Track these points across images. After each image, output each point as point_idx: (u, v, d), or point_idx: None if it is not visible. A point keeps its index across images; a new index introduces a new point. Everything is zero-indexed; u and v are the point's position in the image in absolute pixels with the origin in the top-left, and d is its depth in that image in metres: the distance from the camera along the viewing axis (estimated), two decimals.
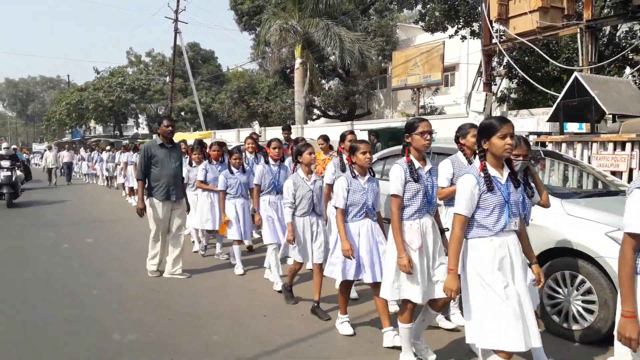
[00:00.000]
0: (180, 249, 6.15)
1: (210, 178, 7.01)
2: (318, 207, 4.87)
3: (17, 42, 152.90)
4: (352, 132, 5.53)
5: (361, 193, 4.02)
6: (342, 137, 5.44)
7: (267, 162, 5.75)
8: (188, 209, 6.47)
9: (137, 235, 9.06)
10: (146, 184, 5.92)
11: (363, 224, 4.04)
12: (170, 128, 5.96)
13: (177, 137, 15.77)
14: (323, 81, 28.61)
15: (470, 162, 4.05)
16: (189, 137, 19.37)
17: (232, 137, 26.81)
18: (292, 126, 11.60)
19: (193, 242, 7.76)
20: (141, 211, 5.87)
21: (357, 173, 4.08)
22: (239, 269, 6.24)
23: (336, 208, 4.07)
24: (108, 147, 19.48)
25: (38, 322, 4.59)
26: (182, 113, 40.33)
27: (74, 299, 5.30)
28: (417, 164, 3.50)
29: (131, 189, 13.27)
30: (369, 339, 4.08)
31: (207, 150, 7.78)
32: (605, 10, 13.80)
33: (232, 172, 6.38)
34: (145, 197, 5.91)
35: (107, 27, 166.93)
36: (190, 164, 7.78)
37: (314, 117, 29.99)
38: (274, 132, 21.23)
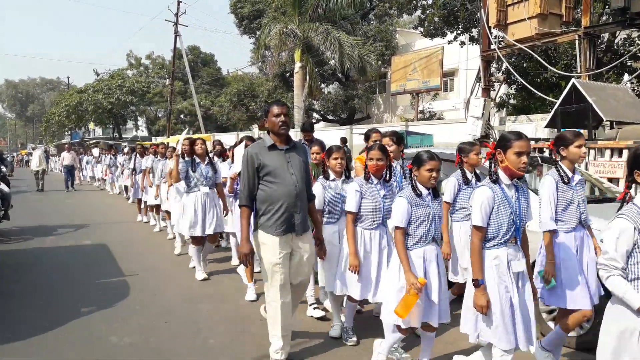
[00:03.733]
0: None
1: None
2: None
3: (18, 44, 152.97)
4: (377, 131, 5.31)
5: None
6: (367, 136, 5.30)
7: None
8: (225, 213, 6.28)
9: (136, 239, 9.09)
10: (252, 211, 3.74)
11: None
12: (283, 118, 3.62)
13: (174, 140, 14.38)
14: (322, 85, 28.67)
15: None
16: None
17: (231, 140, 26.78)
18: (292, 130, 11.29)
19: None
20: (248, 257, 3.64)
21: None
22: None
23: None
24: (126, 149, 15.71)
25: (36, 327, 4.61)
26: (182, 116, 40.34)
27: (71, 302, 5.31)
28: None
29: (139, 201, 11.16)
30: (370, 346, 4.09)
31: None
32: (604, 18, 13.88)
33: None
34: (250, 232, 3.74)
35: (108, 29, 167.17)
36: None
37: (313, 120, 30.03)
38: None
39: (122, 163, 14.96)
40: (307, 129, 6.54)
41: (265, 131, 3.77)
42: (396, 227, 3.32)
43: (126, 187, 14.33)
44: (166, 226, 9.16)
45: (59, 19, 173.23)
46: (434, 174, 3.28)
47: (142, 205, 10.86)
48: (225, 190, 6.09)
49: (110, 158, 17.22)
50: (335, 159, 4.26)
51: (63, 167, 19.96)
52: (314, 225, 3.98)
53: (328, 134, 18.40)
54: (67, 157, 19.45)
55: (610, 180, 6.27)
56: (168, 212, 8.62)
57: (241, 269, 5.74)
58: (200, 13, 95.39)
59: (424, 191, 3.36)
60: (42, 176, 18.98)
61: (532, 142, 8.85)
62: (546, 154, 7.60)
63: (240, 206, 3.70)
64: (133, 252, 7.93)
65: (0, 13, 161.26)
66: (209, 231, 6.19)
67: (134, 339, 4.27)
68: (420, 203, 3.32)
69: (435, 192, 3.44)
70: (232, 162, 6.26)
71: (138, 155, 11.29)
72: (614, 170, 6.48)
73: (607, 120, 7.81)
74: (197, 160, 6.21)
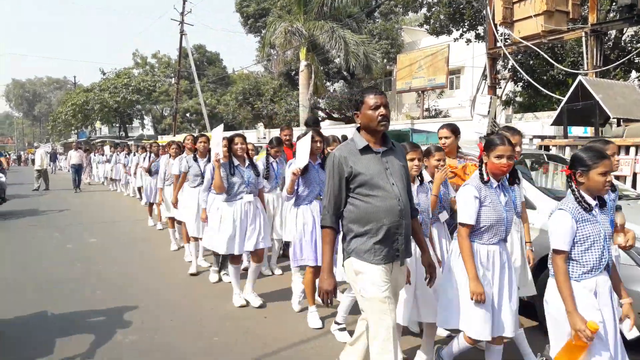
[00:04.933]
0: None
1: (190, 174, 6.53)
2: None
3: (25, 44, 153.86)
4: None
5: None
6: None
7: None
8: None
9: (140, 236, 9.11)
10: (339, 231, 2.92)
11: None
12: (383, 111, 2.75)
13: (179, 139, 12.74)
14: (328, 83, 28.62)
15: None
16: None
17: None
18: (295, 128, 11.20)
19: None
20: (330, 295, 2.80)
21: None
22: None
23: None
24: (150, 145, 12.83)
25: (41, 324, 4.63)
26: (187, 114, 40.47)
27: (77, 300, 5.33)
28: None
29: (150, 205, 10.35)
30: None
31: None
32: (611, 14, 13.76)
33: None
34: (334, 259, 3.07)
35: (114, 29, 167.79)
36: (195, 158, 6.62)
37: (319, 119, 30.00)
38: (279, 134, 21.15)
39: (136, 163, 13.26)
40: (311, 124, 6.10)
41: (356, 128, 2.91)
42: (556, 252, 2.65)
43: (139, 189, 13.21)
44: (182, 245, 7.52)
45: (66, 19, 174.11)
46: (608, 178, 2.62)
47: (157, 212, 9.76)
48: (283, 192, 4.78)
49: (125, 157, 16.13)
50: (412, 159, 3.55)
51: (70, 167, 19.09)
52: (421, 248, 3.14)
53: (333, 132, 18.34)
54: (74, 156, 18.74)
55: (617, 177, 6.22)
56: (172, 219, 7.77)
57: (232, 275, 5.20)
58: (206, 12, 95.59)
59: (592, 202, 2.68)
60: (46, 175, 18.67)
61: (538, 140, 8.79)
62: (553, 151, 7.56)
63: (323, 227, 2.84)
64: (136, 250, 7.95)
65: (8, 13, 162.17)
66: (248, 247, 5.07)
67: (139, 337, 4.28)
68: (588, 218, 2.64)
69: (603, 202, 2.75)
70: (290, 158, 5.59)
71: (153, 155, 10.22)
72: (620, 167, 6.43)
73: (614, 118, 7.75)
74: (236, 162, 5.08)
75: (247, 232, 5.04)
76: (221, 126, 5.20)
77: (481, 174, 3.09)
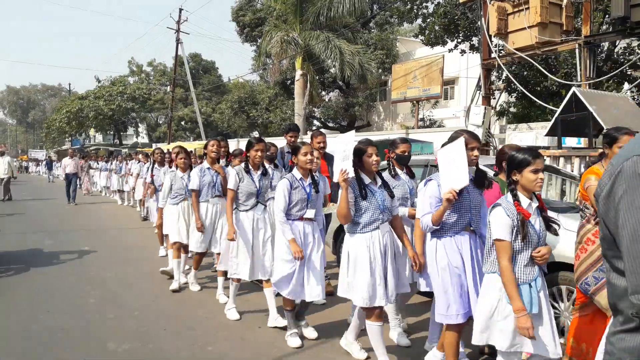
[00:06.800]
0: None
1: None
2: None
3: (20, 50, 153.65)
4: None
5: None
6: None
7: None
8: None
9: (134, 244, 9.06)
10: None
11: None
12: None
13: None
14: (323, 93, 28.73)
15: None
16: (189, 146, 19.04)
17: (231, 147, 26.83)
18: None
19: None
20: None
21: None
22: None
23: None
24: (140, 155, 12.58)
25: (35, 331, 4.58)
26: (182, 122, 40.44)
27: (71, 308, 5.28)
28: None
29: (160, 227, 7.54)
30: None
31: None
32: (604, 27, 13.92)
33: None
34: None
35: (110, 36, 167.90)
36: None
37: (314, 128, 30.09)
38: (275, 143, 21.18)
39: (137, 173, 11.98)
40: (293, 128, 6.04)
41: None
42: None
43: (142, 201, 11.82)
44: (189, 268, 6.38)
45: (61, 26, 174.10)
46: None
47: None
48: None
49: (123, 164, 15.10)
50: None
51: (65, 176, 17.15)
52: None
53: (328, 142, 18.37)
54: (69, 164, 16.67)
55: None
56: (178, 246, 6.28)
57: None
58: (202, 21, 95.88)
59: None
60: (7, 185, 16.92)
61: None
62: (547, 162, 7.60)
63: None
64: (130, 257, 7.90)
65: (3, 19, 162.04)
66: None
67: (132, 345, 4.24)
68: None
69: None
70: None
71: (157, 165, 8.42)
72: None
73: (607, 129, 7.80)
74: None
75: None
76: (352, 132, 3.75)
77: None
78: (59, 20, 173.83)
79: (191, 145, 20.05)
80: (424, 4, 17.92)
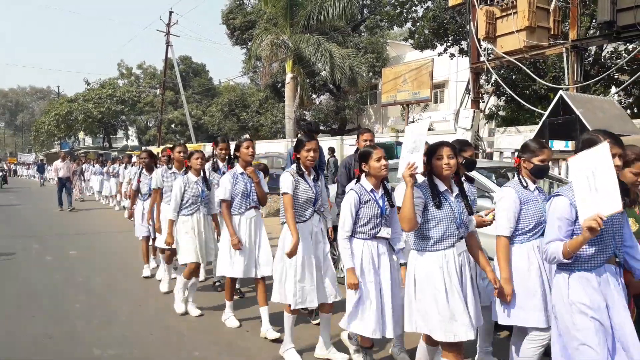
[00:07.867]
0: None
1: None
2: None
3: (8, 52, 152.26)
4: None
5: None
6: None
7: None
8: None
9: (121, 249, 8.98)
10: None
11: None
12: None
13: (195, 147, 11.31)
14: (314, 96, 28.77)
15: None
16: (155, 150, 16.96)
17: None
18: (281, 140, 11.03)
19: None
20: None
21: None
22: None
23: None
24: (134, 159, 11.90)
25: (20, 337, 4.52)
26: (172, 125, 40.29)
27: (57, 313, 5.22)
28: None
29: (147, 240, 6.98)
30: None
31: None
32: (591, 31, 14.06)
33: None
34: None
35: (99, 39, 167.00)
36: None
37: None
38: (265, 146, 21.25)
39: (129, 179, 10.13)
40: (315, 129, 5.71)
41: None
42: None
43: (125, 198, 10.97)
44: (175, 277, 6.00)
45: (50, 28, 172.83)
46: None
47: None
48: (548, 255, 2.84)
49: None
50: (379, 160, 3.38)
51: (57, 180, 16.03)
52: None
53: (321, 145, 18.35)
54: (62, 168, 15.45)
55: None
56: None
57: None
58: (192, 24, 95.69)
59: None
60: None
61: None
62: None
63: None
64: (117, 262, 7.83)
65: None
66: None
67: (118, 351, 4.19)
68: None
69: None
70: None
71: (144, 170, 7.08)
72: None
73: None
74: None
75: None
76: (427, 122, 3.38)
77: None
78: (48, 21, 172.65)
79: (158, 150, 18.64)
80: (414, 8, 18.01)
